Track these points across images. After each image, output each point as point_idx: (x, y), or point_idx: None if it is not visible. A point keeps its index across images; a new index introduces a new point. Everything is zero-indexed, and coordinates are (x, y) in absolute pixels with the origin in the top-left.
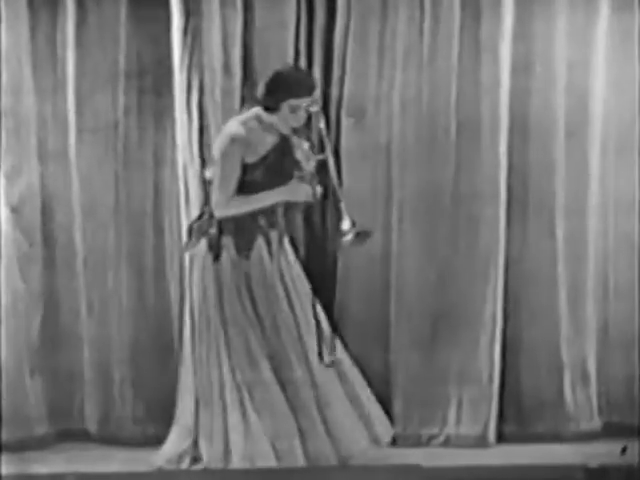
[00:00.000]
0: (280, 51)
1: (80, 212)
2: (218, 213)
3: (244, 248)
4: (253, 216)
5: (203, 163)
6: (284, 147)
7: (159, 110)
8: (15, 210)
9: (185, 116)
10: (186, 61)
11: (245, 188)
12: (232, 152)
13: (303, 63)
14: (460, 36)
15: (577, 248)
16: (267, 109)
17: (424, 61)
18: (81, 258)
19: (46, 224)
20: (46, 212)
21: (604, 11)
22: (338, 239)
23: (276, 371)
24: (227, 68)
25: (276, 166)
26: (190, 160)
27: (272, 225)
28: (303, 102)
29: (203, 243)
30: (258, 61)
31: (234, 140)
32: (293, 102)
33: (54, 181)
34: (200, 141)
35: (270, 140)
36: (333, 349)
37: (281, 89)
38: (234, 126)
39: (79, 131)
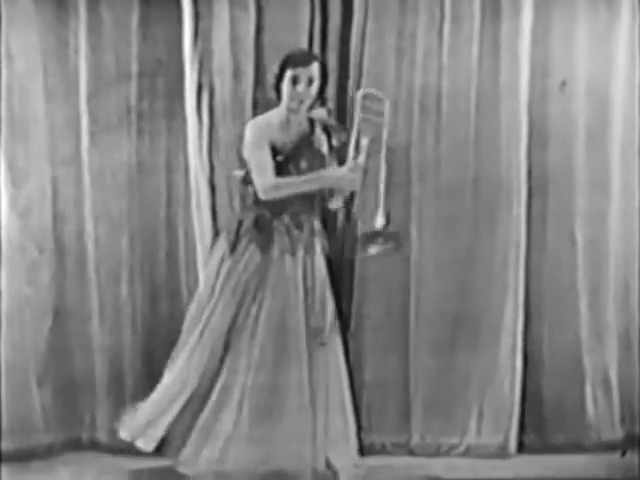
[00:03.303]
0: None
1: (92, 217)
2: (266, 196)
3: (264, 244)
4: (278, 214)
5: (212, 168)
6: (310, 139)
7: (171, 113)
8: (23, 216)
9: (196, 119)
10: (197, 64)
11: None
12: (258, 138)
13: None
14: (480, 38)
15: (598, 254)
16: (278, 94)
17: (443, 63)
18: (93, 264)
19: (57, 230)
20: (57, 218)
21: (625, 13)
22: (365, 243)
23: (275, 374)
24: (238, 71)
25: (303, 157)
26: (200, 165)
27: (298, 226)
28: (300, 72)
29: (222, 236)
30: (270, 64)
31: (254, 126)
32: (290, 73)
33: (65, 186)
34: (210, 145)
35: (295, 130)
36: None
37: (280, 66)
38: (252, 120)
39: (90, 134)
